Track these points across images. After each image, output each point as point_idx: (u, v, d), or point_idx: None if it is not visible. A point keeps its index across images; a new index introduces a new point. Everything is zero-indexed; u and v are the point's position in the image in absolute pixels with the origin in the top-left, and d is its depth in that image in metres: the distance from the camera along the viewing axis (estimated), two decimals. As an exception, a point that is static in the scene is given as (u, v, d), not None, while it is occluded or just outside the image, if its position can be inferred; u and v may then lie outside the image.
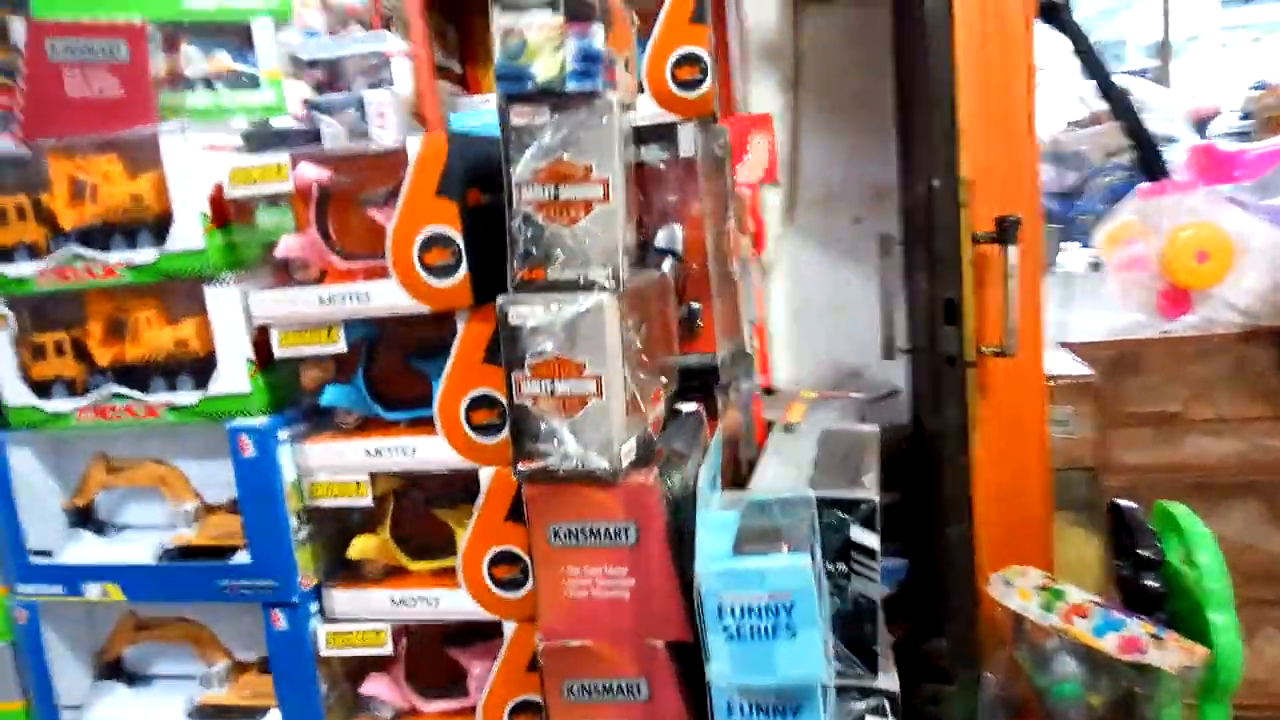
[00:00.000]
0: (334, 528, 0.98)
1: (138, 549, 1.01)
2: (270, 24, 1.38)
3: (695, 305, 1.19)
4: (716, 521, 0.92)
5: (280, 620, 0.96)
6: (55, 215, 0.96)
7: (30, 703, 1.04)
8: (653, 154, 1.09)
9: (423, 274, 0.86)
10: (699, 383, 1.13)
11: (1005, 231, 1.83)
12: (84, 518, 1.05)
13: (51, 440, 1.02)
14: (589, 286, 0.83)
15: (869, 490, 1.01)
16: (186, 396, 0.95)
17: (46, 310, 1.00)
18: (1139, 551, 1.81)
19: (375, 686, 0.99)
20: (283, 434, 0.93)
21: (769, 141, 1.51)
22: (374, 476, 0.94)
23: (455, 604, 0.93)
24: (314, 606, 0.97)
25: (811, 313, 2.51)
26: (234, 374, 0.94)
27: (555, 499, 0.85)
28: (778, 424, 1.33)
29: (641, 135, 1.07)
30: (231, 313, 0.93)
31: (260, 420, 0.94)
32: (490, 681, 0.93)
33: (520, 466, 0.85)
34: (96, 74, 0.95)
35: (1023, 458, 2.00)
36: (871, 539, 1.00)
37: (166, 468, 1.01)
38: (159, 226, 0.92)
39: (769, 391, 1.92)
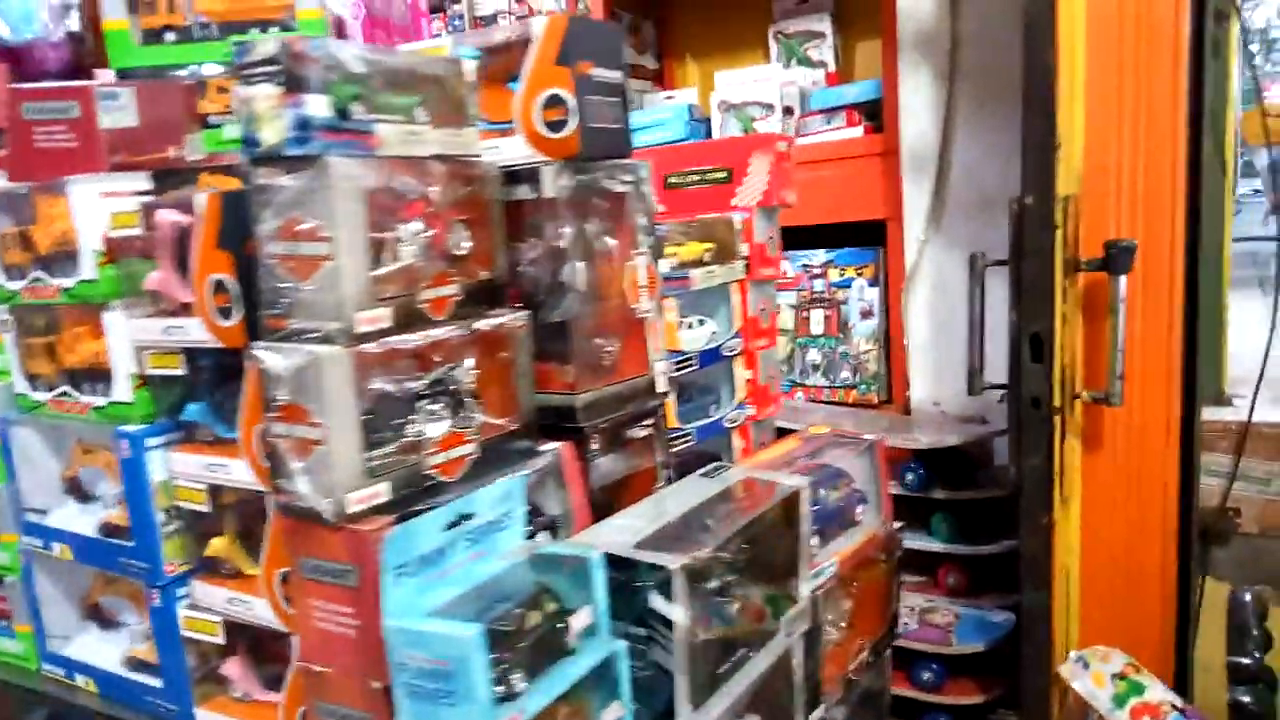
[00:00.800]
0: (206, 526, 1.11)
1: (88, 521, 1.22)
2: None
3: (600, 341, 1.19)
4: (474, 574, 0.93)
5: (155, 598, 1.12)
6: (35, 243, 1.17)
7: (33, 630, 1.30)
8: (523, 194, 1.10)
9: (214, 314, 0.96)
10: (570, 424, 1.13)
11: (1114, 259, 1.57)
12: (73, 488, 1.28)
13: (50, 422, 1.26)
14: (320, 339, 0.87)
15: (671, 558, 0.96)
16: (100, 400, 1.14)
17: (33, 319, 1.22)
18: (1231, 659, 1.49)
19: (229, 668, 1.12)
20: (153, 441, 1.09)
21: (769, 163, 1.41)
22: (213, 487, 1.06)
23: (263, 612, 1.03)
24: (183, 591, 1.11)
25: (958, 327, 2.28)
26: (123, 386, 1.10)
27: (299, 534, 0.91)
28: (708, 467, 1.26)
29: (515, 176, 1.09)
30: (120, 335, 1.09)
31: (137, 427, 1.09)
32: (285, 686, 1.02)
33: (276, 499, 0.92)
34: (57, 129, 1.15)
35: (1139, 522, 1.71)
36: (670, 609, 0.95)
37: (112, 455, 1.21)
38: (77, 259, 1.10)
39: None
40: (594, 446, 1.14)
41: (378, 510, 0.90)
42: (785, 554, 1.20)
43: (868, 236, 2.46)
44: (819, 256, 2.54)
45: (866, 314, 2.49)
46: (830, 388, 2.56)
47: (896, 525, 1.49)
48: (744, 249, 1.42)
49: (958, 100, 2.23)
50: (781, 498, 1.16)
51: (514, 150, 1.10)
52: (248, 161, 0.87)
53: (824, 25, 2.74)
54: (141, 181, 1.12)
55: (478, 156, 1.03)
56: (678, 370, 1.30)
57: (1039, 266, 1.58)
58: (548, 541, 1.08)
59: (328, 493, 0.87)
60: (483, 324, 1.02)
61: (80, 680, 1.25)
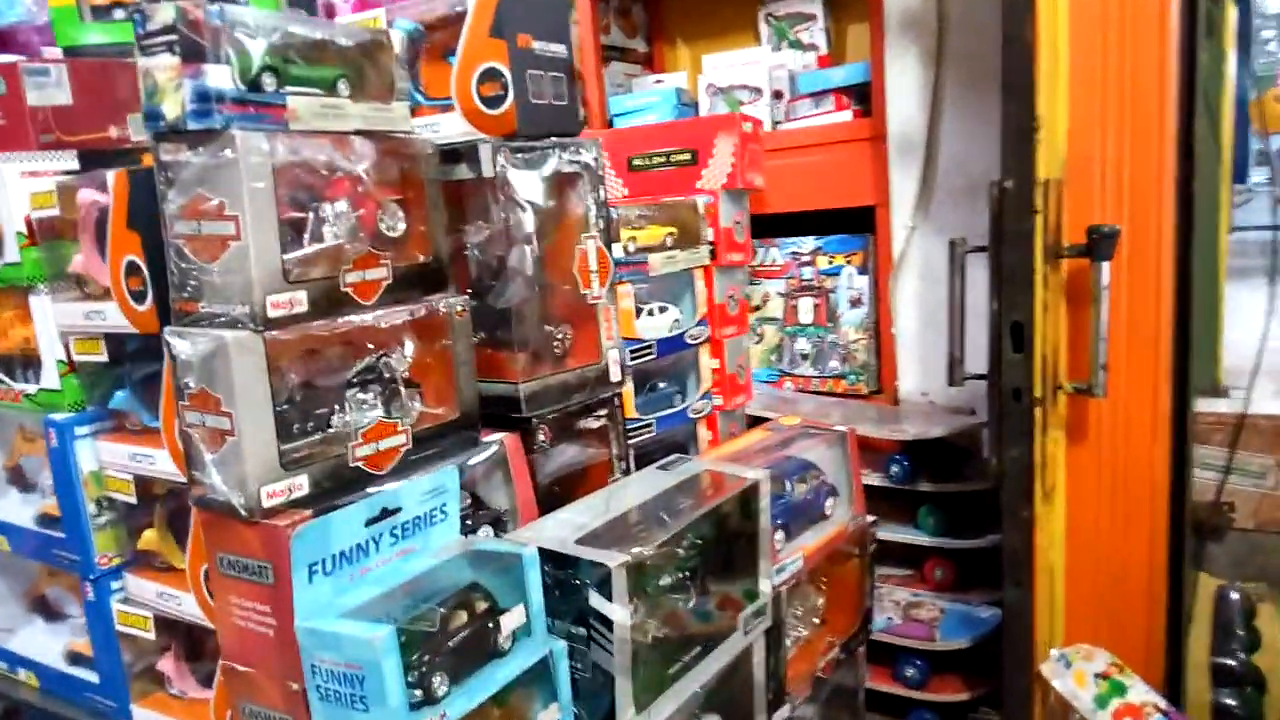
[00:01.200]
0: (139, 517, 1.07)
1: (27, 511, 1.18)
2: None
3: (550, 328, 1.14)
4: (400, 572, 0.89)
5: (89, 592, 1.08)
6: (-33, 226, 1.13)
7: (-22, 622, 1.27)
8: (463, 173, 1.05)
9: (129, 298, 0.92)
10: (516, 414, 1.09)
11: (1096, 244, 1.51)
12: (15, 477, 1.25)
13: (-8, 411, 1.22)
14: (228, 323, 0.83)
15: (611, 555, 0.91)
16: (31, 388, 1.10)
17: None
18: (1215, 659, 1.44)
19: (165, 664, 1.08)
20: (82, 429, 1.05)
21: (734, 144, 1.36)
22: (141, 477, 1.02)
23: (192, 608, 0.99)
24: (118, 584, 1.08)
25: (946, 317, 2.23)
26: (51, 373, 1.06)
27: (216, 528, 0.87)
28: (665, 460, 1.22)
29: (453, 154, 1.04)
30: (46, 320, 1.05)
31: (64, 415, 1.06)
32: (215, 684, 0.99)
33: (191, 492, 0.88)
34: (-17, 106, 1.11)
35: (1126, 516, 1.65)
36: (610, 608, 0.91)
37: (51, 444, 1.17)
38: (2, 241, 1.07)
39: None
40: (541, 438, 1.10)
41: (296, 504, 0.86)
42: (744, 549, 1.15)
43: (857, 223, 2.40)
44: (808, 243, 2.48)
45: (856, 302, 2.44)
46: (819, 377, 2.50)
47: (870, 519, 1.45)
48: (709, 233, 1.37)
49: (945, 84, 2.16)
50: (739, 490, 1.11)
51: (452, 127, 1.05)
52: (152, 137, 0.83)
53: (815, 7, 2.68)
54: (68, 161, 1.08)
55: (408, 132, 0.98)
56: (635, 359, 1.25)
57: (1019, 253, 1.52)
58: (489, 537, 1.03)
59: (240, 485, 0.83)
60: (414, 309, 0.97)
61: (22, 674, 1.21)
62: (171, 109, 0.79)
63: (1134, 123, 1.54)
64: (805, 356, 2.52)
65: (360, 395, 0.96)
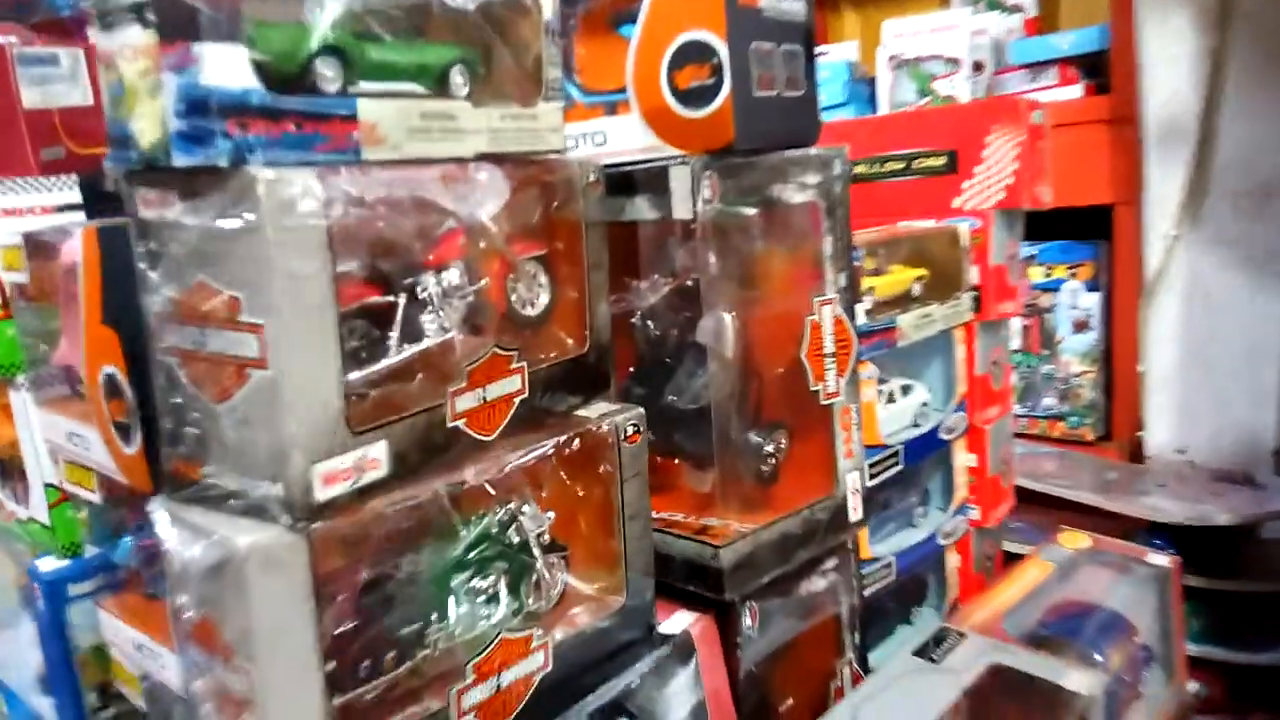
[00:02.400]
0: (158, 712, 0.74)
1: (36, 658, 0.87)
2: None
3: (757, 437, 0.75)
4: None
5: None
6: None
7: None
8: (641, 211, 0.66)
9: (114, 433, 0.57)
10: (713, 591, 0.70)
11: None
12: (29, 599, 0.94)
13: (-5, 513, 0.91)
14: (247, 508, 0.46)
15: None
16: (21, 511, 0.78)
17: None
18: None
19: None
20: (77, 588, 0.71)
21: (1020, 142, 0.92)
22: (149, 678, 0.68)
23: None
24: (129, 806, 0.75)
25: (1220, 353, 1.74)
26: (39, 501, 0.73)
27: (235, 831, 0.52)
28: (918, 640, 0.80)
29: (626, 183, 0.66)
30: (28, 427, 0.72)
31: (53, 564, 0.73)
32: None
33: (198, 763, 0.53)
34: (-37, 108, 0.78)
35: None
36: None
37: (63, 572, 0.85)
38: (-27, 306, 0.74)
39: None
40: (748, 622, 0.71)
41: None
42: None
43: (1086, 226, 1.91)
44: (1018, 251, 2.01)
45: (1082, 326, 1.95)
46: (1029, 417, 2.03)
47: (1193, 688, 1.00)
48: (973, 274, 0.94)
49: (1230, 56, 1.65)
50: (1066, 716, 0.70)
51: (626, 139, 0.66)
52: (123, 177, 0.46)
53: (1023, -40, 2.19)
54: (65, 192, 0.74)
55: (562, 151, 0.59)
56: (874, 475, 0.84)
57: None
58: (668, 795, 0.66)
59: (267, 789, 0.47)
60: (560, 438, 0.59)
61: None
62: (147, 128, 0.43)
63: None
64: (1011, 390, 2.06)
65: (475, 582, 0.59)
